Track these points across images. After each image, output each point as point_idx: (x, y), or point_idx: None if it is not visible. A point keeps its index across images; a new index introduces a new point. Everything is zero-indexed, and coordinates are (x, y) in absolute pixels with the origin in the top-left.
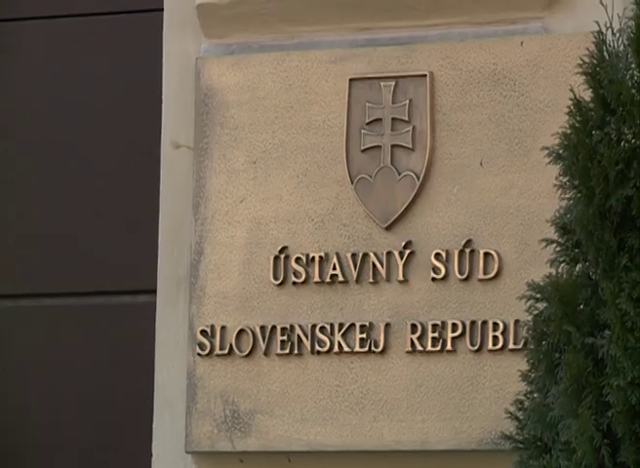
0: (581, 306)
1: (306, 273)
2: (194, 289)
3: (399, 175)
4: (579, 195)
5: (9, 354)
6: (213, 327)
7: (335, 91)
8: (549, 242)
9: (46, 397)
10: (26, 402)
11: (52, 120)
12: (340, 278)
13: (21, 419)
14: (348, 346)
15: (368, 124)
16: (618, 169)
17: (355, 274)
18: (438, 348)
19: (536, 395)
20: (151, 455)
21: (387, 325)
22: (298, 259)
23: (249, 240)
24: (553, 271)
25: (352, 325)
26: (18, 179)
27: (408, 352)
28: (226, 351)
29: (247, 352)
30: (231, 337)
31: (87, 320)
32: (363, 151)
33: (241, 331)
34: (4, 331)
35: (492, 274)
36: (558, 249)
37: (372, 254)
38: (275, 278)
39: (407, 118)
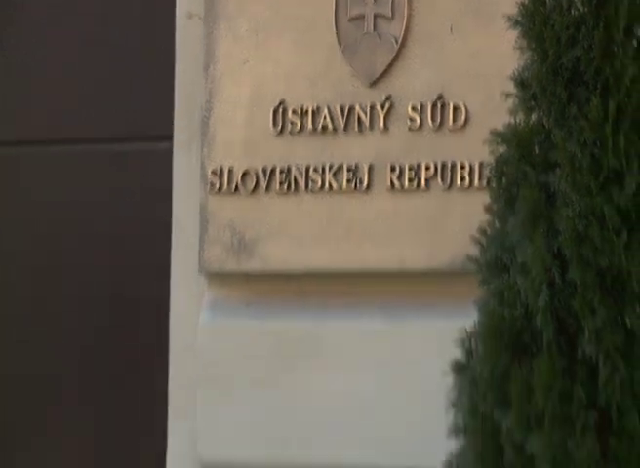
0: (536, 149)
1: (301, 123)
2: (205, 137)
3: (380, 40)
4: (534, 56)
5: (25, 201)
6: (221, 168)
7: None
8: (509, 95)
9: (65, 238)
10: (47, 245)
11: None
12: (330, 127)
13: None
14: (337, 184)
15: None
16: (568, 33)
17: (343, 124)
18: (414, 186)
19: (497, 224)
20: (169, 277)
21: (371, 166)
22: (294, 111)
23: (252, 96)
24: (513, 120)
25: (341, 166)
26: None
27: (388, 189)
28: (233, 189)
29: (251, 190)
30: (237, 177)
31: (108, 165)
32: (349, 20)
33: (245, 172)
34: (15, 176)
35: (460, 123)
36: (517, 101)
37: (357, 107)
38: (274, 127)
39: None
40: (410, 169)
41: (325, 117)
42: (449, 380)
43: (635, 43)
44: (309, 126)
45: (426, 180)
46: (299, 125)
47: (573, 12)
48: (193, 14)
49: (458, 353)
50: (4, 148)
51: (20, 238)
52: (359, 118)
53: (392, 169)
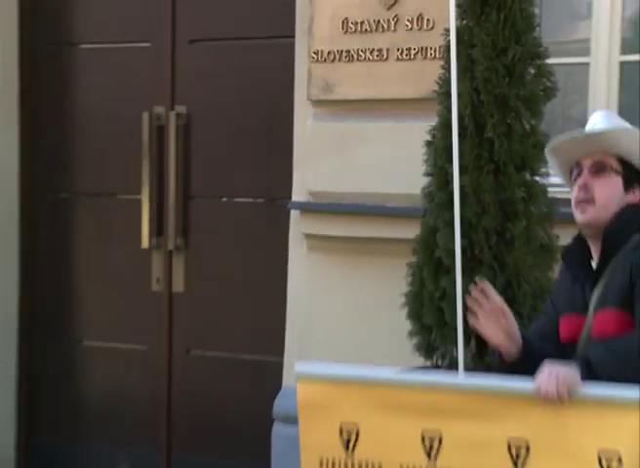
0: (465, 38)
1: (355, 28)
2: (310, 34)
3: None
4: None
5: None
6: (317, 50)
7: None
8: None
9: (242, 86)
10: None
11: None
12: (368, 30)
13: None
14: (372, 57)
15: None
16: None
17: (375, 28)
18: (408, 58)
19: (446, 74)
20: (293, 102)
21: (387, 49)
22: (351, 22)
23: (332, 14)
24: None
25: (373, 49)
26: None
27: (396, 60)
28: (323, 60)
29: (331, 60)
30: (325, 54)
31: (261, 52)
32: None
33: (329, 52)
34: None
35: (430, 26)
36: (456, 15)
37: (381, 20)
38: (342, 30)
39: None
40: (406, 50)
41: (366, 25)
42: (424, 149)
43: None
44: (359, 29)
45: (414, 55)
46: (354, 29)
47: None
48: None
49: (428, 136)
50: (190, 45)
51: (214, 100)
52: (382, 25)
53: (397, 50)
